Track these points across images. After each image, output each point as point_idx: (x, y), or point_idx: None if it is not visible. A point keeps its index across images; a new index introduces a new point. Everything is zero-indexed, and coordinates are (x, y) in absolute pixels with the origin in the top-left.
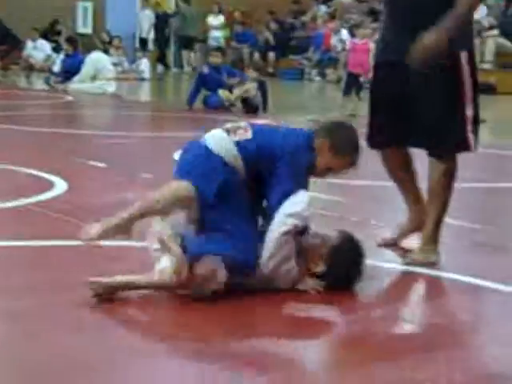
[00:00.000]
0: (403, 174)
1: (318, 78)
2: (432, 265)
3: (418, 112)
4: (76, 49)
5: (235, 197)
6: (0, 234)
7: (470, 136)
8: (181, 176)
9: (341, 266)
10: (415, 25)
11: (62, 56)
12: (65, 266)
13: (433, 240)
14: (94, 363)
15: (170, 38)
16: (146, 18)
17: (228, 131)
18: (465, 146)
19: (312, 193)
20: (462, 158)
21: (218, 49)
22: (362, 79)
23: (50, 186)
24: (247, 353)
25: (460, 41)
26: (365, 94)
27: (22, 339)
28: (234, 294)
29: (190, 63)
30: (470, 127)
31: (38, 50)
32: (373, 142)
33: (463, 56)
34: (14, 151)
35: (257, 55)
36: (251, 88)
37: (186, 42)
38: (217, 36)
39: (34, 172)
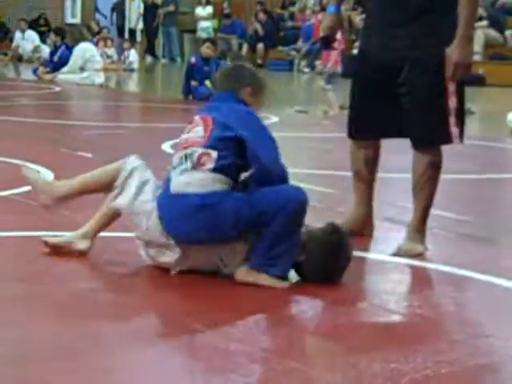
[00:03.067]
0: (367, 173)
1: (307, 70)
2: (419, 255)
3: (402, 103)
4: (64, 39)
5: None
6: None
7: (454, 129)
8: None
9: (317, 256)
10: (397, 18)
11: (50, 47)
12: (50, 256)
13: (420, 231)
14: (73, 351)
15: (158, 29)
16: (135, 9)
17: (193, 166)
18: (448, 139)
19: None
20: (450, 150)
21: (210, 40)
22: None
23: None
24: (229, 346)
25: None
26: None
27: (6, 328)
28: (212, 282)
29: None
30: (453, 120)
31: (27, 40)
32: (356, 131)
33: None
34: (1, 141)
35: (245, 46)
36: None
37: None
38: (206, 27)
39: (21, 162)
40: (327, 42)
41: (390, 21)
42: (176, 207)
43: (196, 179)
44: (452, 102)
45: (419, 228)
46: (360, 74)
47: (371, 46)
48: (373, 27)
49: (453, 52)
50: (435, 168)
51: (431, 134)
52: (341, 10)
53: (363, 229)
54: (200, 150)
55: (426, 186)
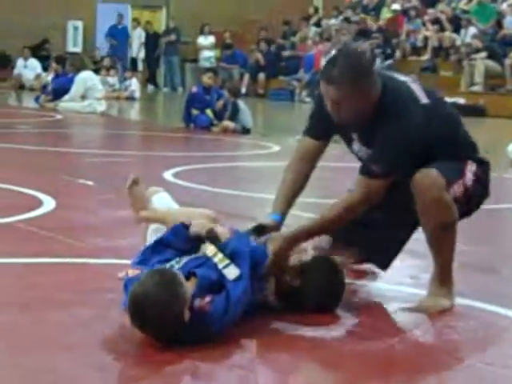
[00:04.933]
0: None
1: (308, 99)
2: (445, 310)
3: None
4: (65, 68)
5: None
6: None
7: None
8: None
9: (311, 283)
10: None
11: (51, 75)
12: (54, 284)
13: (444, 284)
14: (79, 381)
15: (160, 58)
16: (136, 38)
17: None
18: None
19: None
20: None
21: (211, 70)
22: None
23: (38, 203)
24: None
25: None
26: None
27: (8, 354)
28: None
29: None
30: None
31: (29, 68)
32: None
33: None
34: (3, 169)
35: (247, 76)
36: (229, 125)
37: None
38: (208, 56)
39: (23, 190)
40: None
41: None
42: None
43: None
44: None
45: (442, 280)
46: None
47: None
48: None
49: (277, 241)
50: (446, 229)
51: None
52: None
53: None
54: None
55: (441, 248)
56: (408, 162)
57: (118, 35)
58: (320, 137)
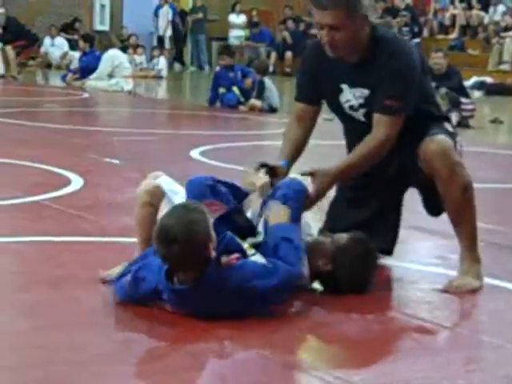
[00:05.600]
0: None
1: None
2: (475, 290)
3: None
4: (92, 46)
5: None
6: (17, 230)
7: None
8: None
9: (345, 268)
10: None
11: (79, 53)
12: (81, 262)
13: (472, 262)
14: (102, 358)
15: (186, 36)
16: (164, 16)
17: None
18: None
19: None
20: (476, 159)
21: (224, 51)
22: None
23: (66, 182)
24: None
25: None
26: None
27: (36, 332)
28: None
29: None
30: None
31: (56, 47)
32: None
33: None
34: (31, 148)
35: (273, 55)
36: (256, 103)
37: None
38: (239, 35)
39: (51, 168)
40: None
41: None
42: None
43: None
44: None
45: (472, 258)
46: None
47: None
48: None
49: (322, 175)
50: (470, 189)
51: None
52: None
53: None
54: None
55: (468, 211)
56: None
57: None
58: (311, 100)
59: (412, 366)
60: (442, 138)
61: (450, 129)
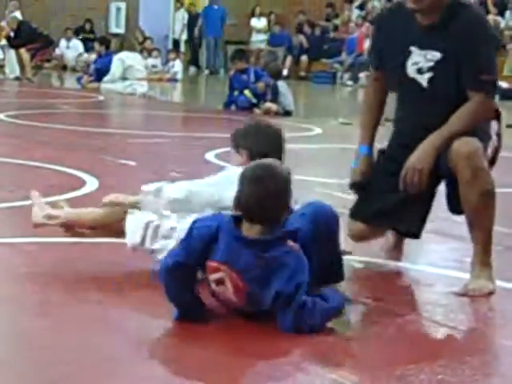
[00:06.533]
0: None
1: (350, 82)
2: (490, 294)
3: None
4: (108, 49)
5: None
6: (32, 231)
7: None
8: None
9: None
10: (426, 121)
11: (94, 56)
12: (95, 263)
13: (485, 266)
14: (115, 360)
15: (202, 40)
16: (179, 19)
17: None
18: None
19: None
20: (502, 164)
21: (237, 56)
22: None
23: (81, 183)
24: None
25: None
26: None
27: (47, 333)
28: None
29: None
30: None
31: (71, 49)
32: None
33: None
34: (47, 149)
35: (289, 58)
36: (271, 106)
37: None
38: (262, 39)
39: (66, 170)
40: (360, 188)
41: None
42: None
43: None
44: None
45: (484, 262)
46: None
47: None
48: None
49: (412, 155)
50: (490, 196)
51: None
52: (373, 149)
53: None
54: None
55: (483, 217)
56: None
57: (213, 16)
58: (381, 67)
59: (428, 370)
60: (471, 140)
61: (491, 130)
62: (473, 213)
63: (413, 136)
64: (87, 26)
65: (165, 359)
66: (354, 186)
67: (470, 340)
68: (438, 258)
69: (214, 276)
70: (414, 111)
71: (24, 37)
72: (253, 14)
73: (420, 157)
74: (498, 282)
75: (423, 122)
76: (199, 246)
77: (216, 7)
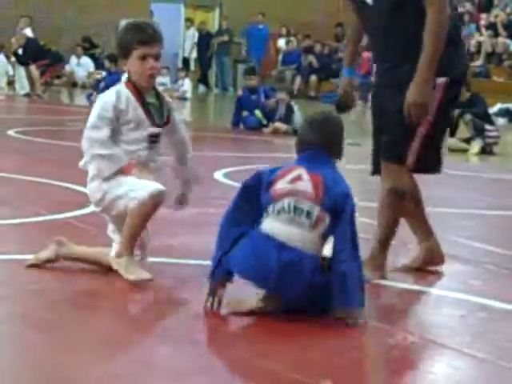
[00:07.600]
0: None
1: (359, 102)
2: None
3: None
4: (117, 65)
5: None
6: (40, 248)
7: (411, 155)
8: None
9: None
10: (383, 49)
11: (103, 73)
12: (104, 282)
13: (375, 259)
14: (124, 377)
15: (212, 59)
16: (189, 38)
17: (312, 226)
18: (400, 160)
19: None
20: (500, 186)
21: (251, 71)
22: None
23: (88, 200)
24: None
25: (438, 67)
26: None
27: (55, 350)
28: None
29: None
30: (415, 145)
31: (81, 66)
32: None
33: (438, 83)
34: (55, 166)
35: (298, 78)
36: (280, 126)
37: None
38: None
39: (75, 187)
40: (342, 107)
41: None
42: (271, 254)
43: (308, 239)
44: (424, 129)
45: (374, 254)
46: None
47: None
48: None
49: (409, 92)
50: (394, 196)
51: (388, 150)
52: (355, 71)
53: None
54: (316, 210)
55: (385, 214)
56: None
57: (255, 36)
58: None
59: None
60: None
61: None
62: (380, 204)
63: (377, 72)
64: (99, 44)
65: (174, 378)
66: (338, 108)
67: (475, 363)
68: (443, 280)
69: (289, 176)
70: (371, 41)
71: (31, 53)
72: (279, 35)
73: (415, 92)
74: (504, 305)
75: (378, 53)
76: (255, 187)
77: (261, 26)
